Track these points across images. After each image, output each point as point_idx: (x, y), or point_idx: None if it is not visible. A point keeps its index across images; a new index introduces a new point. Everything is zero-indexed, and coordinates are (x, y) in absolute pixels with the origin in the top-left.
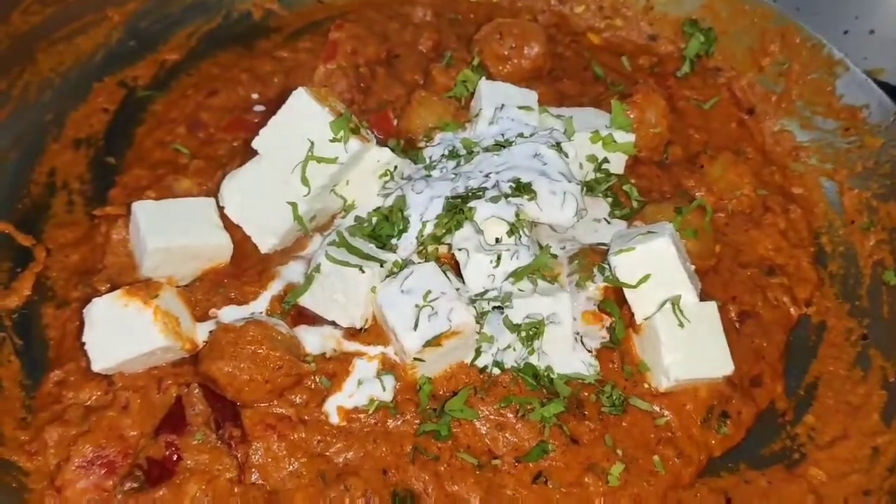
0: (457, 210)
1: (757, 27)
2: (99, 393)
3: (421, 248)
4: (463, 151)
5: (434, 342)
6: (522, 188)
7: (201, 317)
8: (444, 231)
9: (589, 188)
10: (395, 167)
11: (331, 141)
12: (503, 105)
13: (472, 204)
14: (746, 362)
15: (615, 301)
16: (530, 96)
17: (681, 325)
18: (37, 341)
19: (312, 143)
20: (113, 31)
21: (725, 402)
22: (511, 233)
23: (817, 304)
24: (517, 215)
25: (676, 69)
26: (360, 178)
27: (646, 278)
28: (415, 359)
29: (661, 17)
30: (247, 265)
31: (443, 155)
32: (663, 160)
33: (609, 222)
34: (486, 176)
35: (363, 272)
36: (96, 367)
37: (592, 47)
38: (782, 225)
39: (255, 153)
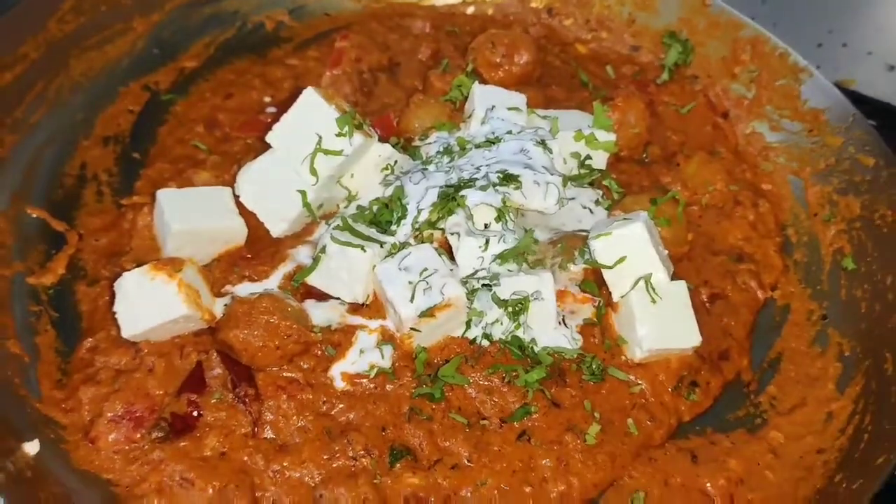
0: (449, 198)
1: (730, 38)
2: (127, 358)
3: (417, 232)
4: (457, 148)
5: (428, 313)
6: (509, 178)
7: (219, 293)
8: (438, 217)
9: (574, 180)
10: (395, 162)
11: (337, 135)
12: (494, 106)
13: (463, 192)
14: (715, 338)
15: (595, 282)
16: (519, 99)
17: (653, 301)
18: (70, 314)
19: (320, 137)
20: (138, 40)
21: (695, 373)
22: (498, 218)
23: (782, 289)
24: (504, 202)
25: (657, 77)
26: (364, 172)
27: (622, 260)
28: (411, 329)
29: (642, 29)
30: (260, 248)
31: (438, 151)
32: (643, 158)
33: (592, 212)
34: (477, 168)
35: (364, 251)
36: (125, 333)
37: (579, 57)
38: (751, 217)
39: (267, 147)
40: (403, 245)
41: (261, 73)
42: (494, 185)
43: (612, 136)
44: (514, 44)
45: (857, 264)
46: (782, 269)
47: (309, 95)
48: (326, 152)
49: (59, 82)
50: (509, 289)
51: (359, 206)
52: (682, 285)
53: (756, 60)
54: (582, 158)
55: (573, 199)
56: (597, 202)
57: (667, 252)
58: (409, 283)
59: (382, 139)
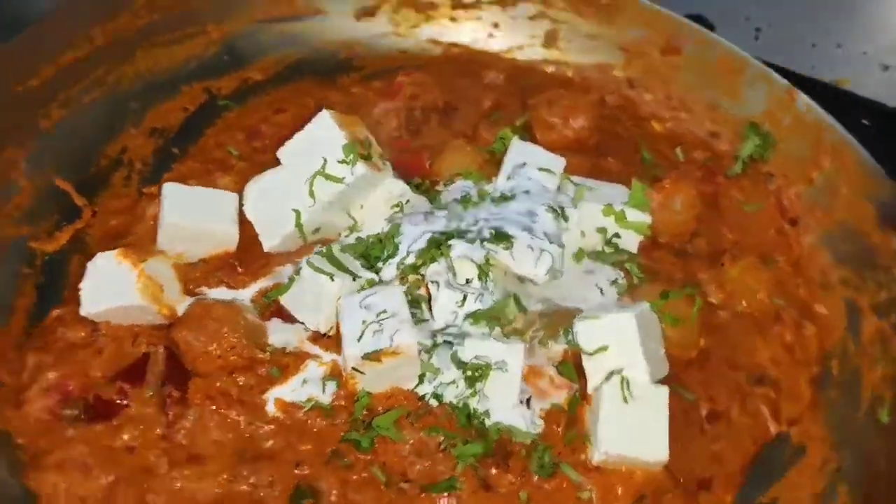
0: (437, 245)
1: (813, 138)
2: (84, 335)
3: (401, 274)
4: (475, 199)
5: (373, 356)
6: (500, 237)
7: (191, 291)
8: (421, 262)
9: (594, 257)
10: (407, 201)
11: (339, 162)
12: (525, 164)
13: (451, 242)
14: (700, 463)
15: (574, 366)
16: (557, 162)
17: (625, 400)
18: (57, 284)
19: (325, 161)
20: (210, 45)
21: (660, 496)
22: (480, 276)
23: (802, 427)
24: (487, 260)
25: (729, 168)
26: (373, 205)
27: (603, 349)
28: (353, 369)
29: (725, 115)
30: (250, 259)
31: (455, 199)
32: (685, 249)
33: (603, 293)
34: (476, 221)
35: (332, 280)
36: (83, 311)
37: (652, 134)
38: (788, 338)
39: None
40: (375, 283)
41: (319, 96)
42: (483, 240)
43: (645, 217)
44: (573, 107)
45: (892, 418)
46: (809, 403)
47: (323, 118)
48: (327, 177)
49: (121, 71)
50: (472, 351)
51: (358, 238)
52: (663, 392)
53: (837, 169)
54: (609, 236)
55: (587, 272)
56: (613, 283)
57: (663, 352)
58: (363, 321)
59: (403, 177)
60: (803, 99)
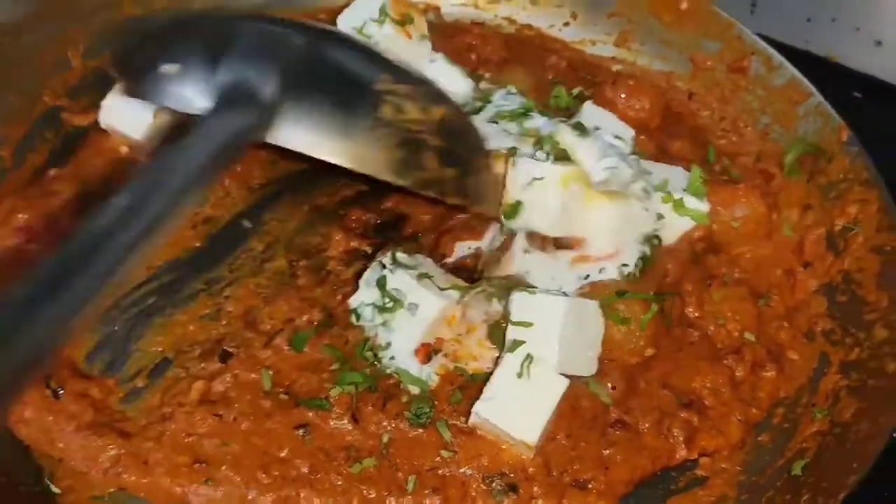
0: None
1: (848, 184)
2: (67, 195)
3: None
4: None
5: None
6: (580, 126)
7: None
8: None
9: None
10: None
11: (373, 20)
12: (598, 128)
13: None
14: (585, 464)
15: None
16: (628, 132)
17: (518, 376)
18: (69, 152)
19: (364, 22)
20: None
21: (522, 478)
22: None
23: (714, 461)
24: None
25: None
26: None
27: (527, 324)
28: None
29: (772, 146)
30: None
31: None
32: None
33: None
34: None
35: None
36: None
37: None
38: (739, 374)
39: None
40: None
41: None
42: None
43: (704, 206)
44: (638, 88)
45: (804, 473)
46: (736, 444)
47: None
48: (360, 32)
49: None
50: (396, 283)
51: None
52: (563, 383)
53: (861, 217)
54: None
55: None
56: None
57: (594, 353)
58: None
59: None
60: (852, 140)
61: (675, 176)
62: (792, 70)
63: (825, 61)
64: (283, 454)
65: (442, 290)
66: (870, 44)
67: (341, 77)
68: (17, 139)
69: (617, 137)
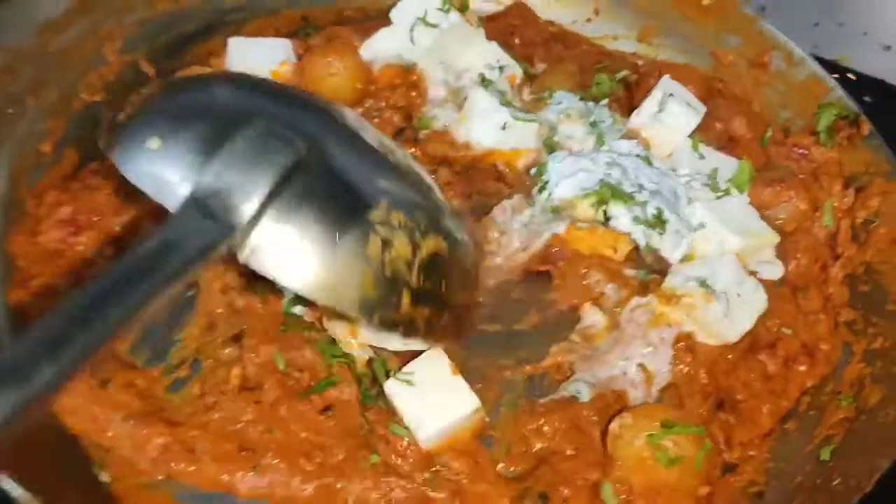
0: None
1: (869, 176)
2: (107, 191)
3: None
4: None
5: None
6: (659, 221)
7: None
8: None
9: None
10: (503, 67)
11: (437, 9)
12: (672, 94)
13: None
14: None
15: None
16: (700, 106)
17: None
18: None
19: (426, 11)
20: None
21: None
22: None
23: (744, 448)
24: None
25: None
26: (471, 63)
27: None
28: None
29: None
30: None
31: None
32: None
33: None
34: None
35: None
36: None
37: None
38: (772, 369)
39: None
40: None
41: None
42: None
43: (745, 200)
44: (685, 75)
45: (833, 458)
46: (767, 431)
47: None
48: (426, 23)
49: None
50: None
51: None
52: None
53: (882, 207)
54: None
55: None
56: None
57: None
58: None
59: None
60: (873, 134)
61: (727, 166)
62: (813, 65)
63: (834, 66)
64: (321, 439)
65: None
66: (878, 48)
67: (334, 200)
68: (58, 134)
69: (690, 106)
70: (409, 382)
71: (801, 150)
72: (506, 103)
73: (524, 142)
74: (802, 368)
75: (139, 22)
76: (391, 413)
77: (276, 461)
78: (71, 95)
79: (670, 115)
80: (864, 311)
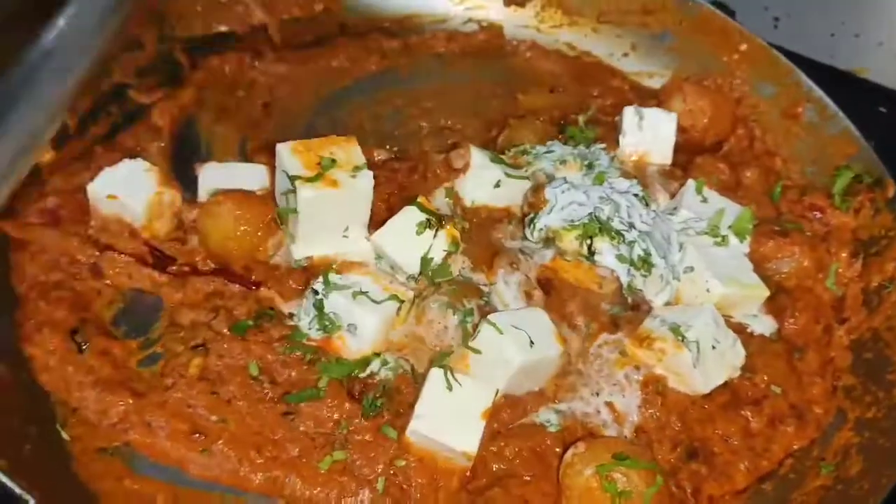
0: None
1: (887, 241)
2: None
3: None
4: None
5: None
6: (645, 263)
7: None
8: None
9: None
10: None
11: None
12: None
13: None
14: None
15: None
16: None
17: (449, 388)
18: (127, 127)
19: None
20: None
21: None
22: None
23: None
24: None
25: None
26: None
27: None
28: None
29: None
30: None
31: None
32: None
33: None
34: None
35: None
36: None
37: None
38: (755, 425)
39: None
40: None
41: None
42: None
43: (745, 247)
44: (701, 100)
45: None
46: (740, 490)
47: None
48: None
49: None
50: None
51: None
52: (491, 390)
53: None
54: None
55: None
56: None
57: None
58: None
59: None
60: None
61: (731, 212)
62: (845, 121)
63: (849, 76)
64: (276, 437)
65: (378, 303)
66: (894, 59)
67: None
68: (83, 109)
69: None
70: (427, 416)
71: (815, 212)
72: (496, 160)
73: (516, 200)
74: (790, 429)
75: (177, 13)
76: (392, 414)
77: (226, 449)
78: (103, 75)
79: (650, 121)
80: (864, 379)
